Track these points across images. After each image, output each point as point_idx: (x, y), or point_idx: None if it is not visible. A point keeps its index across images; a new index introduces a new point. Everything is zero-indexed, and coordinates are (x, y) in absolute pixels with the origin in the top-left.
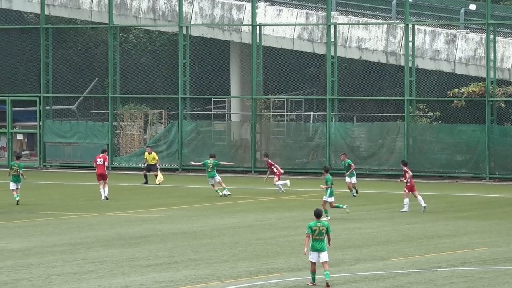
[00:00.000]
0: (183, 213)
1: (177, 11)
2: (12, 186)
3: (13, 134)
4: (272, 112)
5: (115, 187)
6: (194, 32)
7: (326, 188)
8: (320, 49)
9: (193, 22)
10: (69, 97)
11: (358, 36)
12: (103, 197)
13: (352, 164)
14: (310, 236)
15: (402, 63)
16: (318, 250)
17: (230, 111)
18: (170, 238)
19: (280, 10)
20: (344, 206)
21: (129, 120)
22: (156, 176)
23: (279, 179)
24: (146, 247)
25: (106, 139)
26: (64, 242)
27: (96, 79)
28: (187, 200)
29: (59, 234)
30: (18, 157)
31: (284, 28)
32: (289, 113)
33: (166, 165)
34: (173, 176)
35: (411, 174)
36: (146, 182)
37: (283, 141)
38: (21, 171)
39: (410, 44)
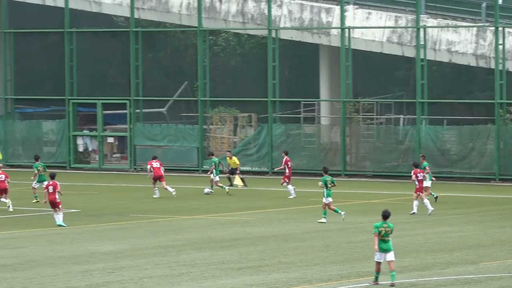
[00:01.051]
0: (273, 216)
1: (266, 14)
2: (38, 185)
3: (104, 137)
4: (361, 115)
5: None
6: (283, 35)
7: (325, 188)
8: (410, 52)
9: (282, 25)
10: (159, 100)
11: (447, 39)
12: (172, 191)
13: (428, 167)
14: (378, 235)
15: (492, 66)
16: (385, 251)
17: (319, 114)
18: (261, 241)
19: (369, 13)
20: (342, 213)
21: (219, 123)
22: (234, 179)
23: (289, 182)
24: (237, 250)
25: (196, 142)
26: (156, 245)
27: (186, 82)
28: (278, 203)
29: (150, 237)
30: (37, 159)
31: (373, 31)
32: (378, 116)
33: (256, 168)
34: (263, 179)
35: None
36: (231, 185)
37: (373, 144)
38: (46, 171)
39: (500, 47)
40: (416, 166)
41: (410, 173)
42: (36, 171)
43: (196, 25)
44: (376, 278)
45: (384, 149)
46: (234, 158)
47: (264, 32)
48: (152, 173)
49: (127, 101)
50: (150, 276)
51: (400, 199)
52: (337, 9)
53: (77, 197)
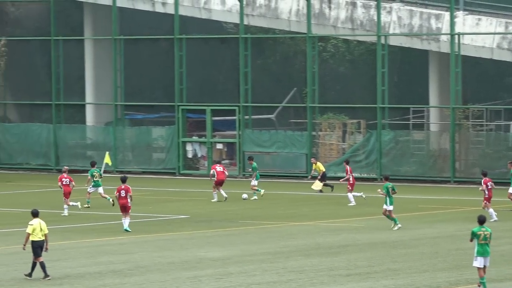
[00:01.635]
0: (382, 223)
1: (375, 20)
2: (93, 189)
3: (213, 143)
4: (471, 121)
5: (313, 196)
6: (393, 41)
7: (386, 196)
8: None
9: (391, 31)
10: (268, 107)
11: None
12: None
13: None
14: (475, 241)
15: None
16: (484, 255)
17: (428, 121)
18: (369, 247)
19: (479, 19)
20: (398, 225)
21: (328, 129)
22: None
23: (352, 190)
24: (345, 256)
25: (304, 149)
26: (264, 251)
27: (295, 88)
28: None
29: (258, 243)
30: (93, 165)
31: (483, 37)
32: (488, 123)
33: (365, 174)
34: (372, 186)
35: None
36: (332, 188)
37: (482, 151)
38: (101, 177)
39: None
40: (485, 175)
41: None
42: (90, 177)
43: (305, 31)
44: (484, 284)
45: (494, 155)
46: (319, 164)
47: (373, 39)
48: (215, 178)
49: (236, 108)
50: (258, 282)
51: (510, 206)
52: (446, 15)
53: (186, 203)
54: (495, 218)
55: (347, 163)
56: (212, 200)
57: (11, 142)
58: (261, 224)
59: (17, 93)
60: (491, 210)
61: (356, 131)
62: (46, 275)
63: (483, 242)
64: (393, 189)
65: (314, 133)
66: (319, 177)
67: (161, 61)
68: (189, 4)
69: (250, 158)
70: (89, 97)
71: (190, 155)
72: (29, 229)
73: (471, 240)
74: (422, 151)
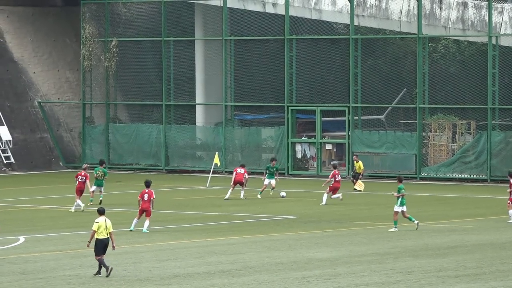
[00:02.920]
0: (491, 224)
1: (486, 21)
2: (94, 188)
3: (322, 144)
4: None
5: (423, 197)
6: (504, 42)
7: (398, 197)
8: None
9: (502, 31)
10: (377, 107)
11: None
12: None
13: None
14: None
15: None
16: None
17: None
18: (478, 249)
19: None
20: (416, 222)
21: (437, 130)
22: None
23: (329, 191)
24: (454, 257)
25: (414, 149)
26: (372, 251)
27: (405, 89)
28: (495, 211)
29: (367, 244)
30: (101, 163)
31: None
32: None
33: (474, 175)
34: (480, 187)
35: None
36: (355, 189)
37: None
38: (106, 177)
39: None
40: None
41: None
42: (95, 175)
43: (415, 32)
44: None
45: None
46: (360, 162)
47: (484, 39)
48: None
49: (345, 108)
50: (366, 283)
51: None
52: None
53: (295, 204)
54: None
55: (335, 167)
56: (321, 204)
57: (121, 143)
58: (370, 225)
59: (128, 94)
60: (510, 211)
61: (466, 132)
62: (98, 272)
63: None
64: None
65: (423, 133)
66: (360, 176)
67: (271, 61)
68: (299, 4)
69: (274, 159)
70: (199, 97)
71: (299, 156)
72: (94, 227)
73: None
74: None
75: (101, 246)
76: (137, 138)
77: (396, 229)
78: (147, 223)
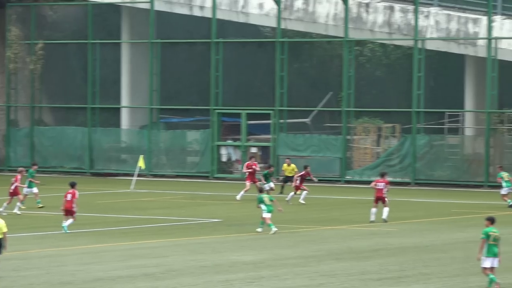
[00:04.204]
0: (414, 227)
1: (413, 24)
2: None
3: (247, 147)
4: (506, 126)
5: (347, 200)
6: (429, 45)
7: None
8: None
9: (428, 35)
10: (303, 111)
11: None
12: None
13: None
14: (486, 242)
15: None
16: (494, 255)
17: (464, 125)
18: (401, 252)
19: None
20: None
21: (362, 133)
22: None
23: (296, 192)
24: (377, 260)
25: (339, 153)
26: (296, 255)
27: (331, 92)
28: (419, 214)
29: (291, 247)
30: (33, 165)
31: None
32: None
33: (399, 178)
34: (404, 190)
35: None
36: (281, 193)
37: None
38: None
39: None
40: None
41: None
42: (30, 178)
43: (342, 35)
44: (494, 279)
45: None
46: (293, 165)
47: (410, 43)
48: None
49: (271, 111)
50: (290, 286)
51: None
52: (484, 19)
53: (219, 207)
54: None
55: (305, 167)
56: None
57: (46, 145)
58: (294, 228)
59: (53, 97)
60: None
61: (391, 135)
62: None
63: (493, 243)
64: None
65: (348, 137)
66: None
67: (197, 65)
68: (226, 8)
69: (271, 166)
70: (124, 100)
71: (224, 159)
72: None
73: (483, 240)
74: (456, 155)
75: None
76: (62, 141)
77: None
78: (69, 221)
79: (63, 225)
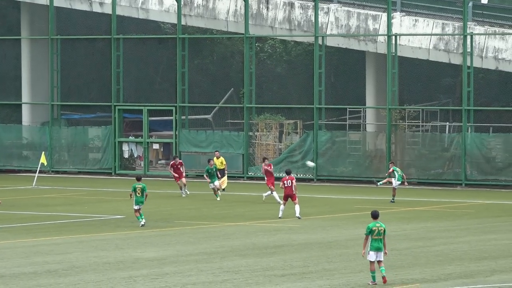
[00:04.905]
0: (317, 223)
1: (313, 21)
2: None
3: (149, 143)
4: (407, 122)
5: (250, 197)
6: (330, 42)
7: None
8: (456, 60)
9: (328, 32)
10: (204, 107)
11: (494, 47)
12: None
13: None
14: (370, 237)
15: None
16: (378, 249)
17: (365, 121)
18: (305, 248)
19: (416, 20)
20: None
21: (265, 130)
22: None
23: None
24: (281, 257)
25: (241, 149)
26: (200, 251)
27: (232, 89)
28: (322, 210)
29: (194, 244)
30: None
31: (420, 38)
32: (424, 124)
33: (301, 175)
34: (307, 186)
35: None
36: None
37: (418, 151)
38: (146, 193)
39: None
40: None
41: (455, 180)
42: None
43: (242, 31)
44: (374, 278)
45: (430, 156)
46: (222, 158)
47: (311, 39)
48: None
49: (173, 108)
50: (193, 282)
51: (445, 207)
52: (384, 16)
53: (122, 203)
54: None
55: (264, 160)
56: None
57: None
58: (197, 225)
59: None
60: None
61: (293, 131)
62: None
63: (377, 237)
64: (143, 189)
65: (250, 133)
66: (225, 172)
67: (98, 61)
68: (126, 4)
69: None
70: (25, 96)
71: (126, 155)
72: None
73: (366, 236)
74: (358, 151)
75: None
76: None
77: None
78: None
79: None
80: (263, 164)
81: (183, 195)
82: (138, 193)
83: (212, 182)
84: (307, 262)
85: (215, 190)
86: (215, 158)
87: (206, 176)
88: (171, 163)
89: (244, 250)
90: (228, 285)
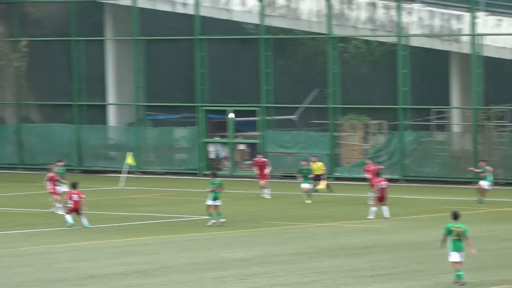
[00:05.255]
0: (405, 224)
1: (396, 21)
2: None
3: (235, 144)
4: (493, 122)
5: (338, 197)
6: (413, 42)
7: (210, 192)
8: None
9: (412, 32)
10: (289, 107)
11: None
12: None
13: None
14: (449, 237)
15: None
16: (458, 250)
17: (450, 122)
18: (393, 249)
19: (500, 20)
20: (222, 220)
21: (350, 130)
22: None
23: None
24: (369, 257)
25: (326, 149)
26: (288, 252)
27: (317, 89)
28: (410, 211)
29: (282, 244)
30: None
31: (504, 38)
32: (510, 124)
33: (388, 175)
34: (394, 187)
35: None
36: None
37: (505, 152)
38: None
39: None
40: None
41: None
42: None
43: (325, 32)
44: (460, 277)
45: None
46: (321, 163)
47: (394, 39)
48: None
49: (257, 108)
50: (282, 283)
51: None
52: (467, 16)
53: None
54: None
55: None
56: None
57: (33, 143)
58: (284, 225)
59: (39, 94)
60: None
61: (378, 132)
62: None
63: (456, 238)
64: (220, 185)
65: (336, 134)
66: (323, 177)
67: (182, 61)
68: (209, 4)
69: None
70: (111, 97)
71: (212, 156)
72: None
73: (445, 236)
74: (444, 152)
75: None
76: (49, 139)
77: (214, 222)
78: (84, 220)
79: (86, 225)
80: (256, 159)
81: (265, 196)
82: (216, 189)
83: (305, 182)
84: (395, 263)
85: (308, 192)
86: (311, 163)
87: (299, 176)
88: (254, 160)
89: (332, 250)
90: (317, 286)
